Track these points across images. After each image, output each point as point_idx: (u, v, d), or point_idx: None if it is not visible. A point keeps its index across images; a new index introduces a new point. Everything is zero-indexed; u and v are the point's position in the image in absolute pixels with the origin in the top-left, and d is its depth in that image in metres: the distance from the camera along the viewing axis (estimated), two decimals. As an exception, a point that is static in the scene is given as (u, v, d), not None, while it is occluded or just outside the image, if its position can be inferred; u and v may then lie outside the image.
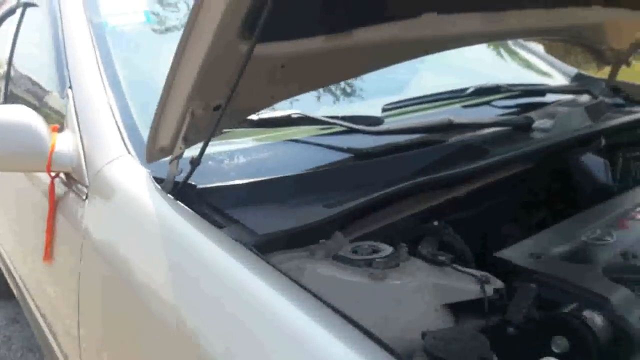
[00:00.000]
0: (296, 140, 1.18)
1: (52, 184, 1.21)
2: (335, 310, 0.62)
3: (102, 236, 1.00)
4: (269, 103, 0.98)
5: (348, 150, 1.16)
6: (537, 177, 1.33)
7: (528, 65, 2.17)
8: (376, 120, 1.25)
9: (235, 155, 1.11)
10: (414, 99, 1.41)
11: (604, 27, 1.76)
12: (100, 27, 1.35)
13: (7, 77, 1.96)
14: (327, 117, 1.21)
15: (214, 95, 0.83)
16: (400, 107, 1.35)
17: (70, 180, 1.18)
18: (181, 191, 0.91)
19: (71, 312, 1.10)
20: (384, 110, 1.31)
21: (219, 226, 0.84)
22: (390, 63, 1.05)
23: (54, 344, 1.34)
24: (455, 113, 1.43)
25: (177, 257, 0.79)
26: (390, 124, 1.26)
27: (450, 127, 1.27)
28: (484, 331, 0.77)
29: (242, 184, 0.98)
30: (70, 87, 1.26)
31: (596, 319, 0.72)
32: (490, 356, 0.61)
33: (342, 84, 1.63)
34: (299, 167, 1.07)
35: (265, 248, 0.80)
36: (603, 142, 1.47)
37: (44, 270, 1.32)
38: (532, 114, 1.49)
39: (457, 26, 1.12)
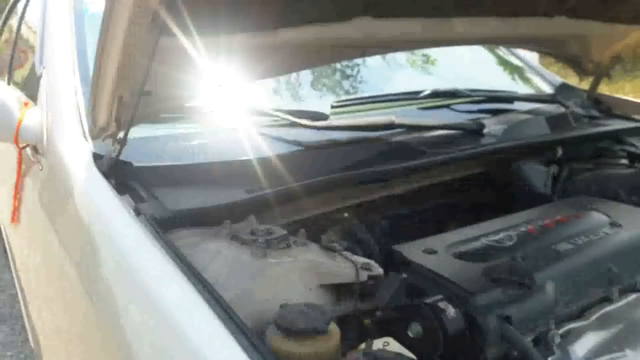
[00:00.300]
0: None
1: (20, 154, 1.32)
2: (201, 281, 0.70)
3: (45, 202, 1.11)
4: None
5: (287, 142, 1.23)
6: (477, 181, 1.37)
7: (515, 72, 2.19)
8: (321, 116, 1.32)
9: (181, 139, 1.20)
10: (363, 98, 1.46)
11: (583, 39, 1.77)
12: (81, 12, 1.46)
13: (13, 52, 2.11)
14: (274, 109, 1.29)
15: (138, 82, 0.91)
16: (349, 105, 1.41)
17: (36, 152, 1.29)
18: (115, 168, 1.00)
19: (27, 268, 1.23)
20: (332, 107, 1.38)
21: (141, 201, 0.93)
22: (325, 62, 1.12)
23: (20, 294, 1.47)
24: (409, 114, 1.48)
25: (88, 222, 0.89)
26: (334, 120, 1.32)
27: (392, 127, 1.32)
28: (357, 313, 0.83)
29: (176, 165, 1.06)
30: (45, 67, 1.37)
31: (449, 311, 0.77)
32: (325, 329, 0.68)
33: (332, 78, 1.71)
34: (237, 154, 1.14)
35: (174, 224, 0.89)
36: (560, 152, 1.50)
37: (13, 231, 1.45)
38: (489, 120, 1.52)
39: (398, 30, 1.17)
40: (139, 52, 0.85)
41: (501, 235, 1.02)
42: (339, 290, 0.86)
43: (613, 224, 1.09)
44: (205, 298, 0.65)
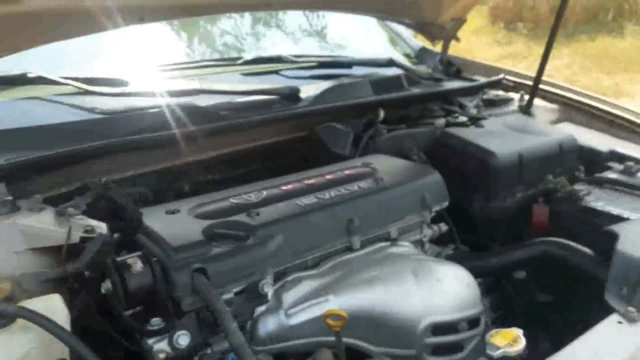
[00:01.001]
0: (32, 99, 1.24)
1: None
2: None
3: None
4: None
5: (81, 109, 1.22)
6: (289, 145, 1.40)
7: (382, 38, 2.22)
8: (122, 83, 1.31)
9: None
10: (180, 64, 1.45)
11: (418, 5, 1.79)
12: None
13: None
14: (67, 77, 1.27)
15: None
16: (166, 70, 1.40)
17: None
18: None
19: None
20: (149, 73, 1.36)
21: None
22: (85, 33, 1.11)
23: None
24: (230, 80, 1.49)
25: None
26: (135, 87, 1.31)
27: (196, 93, 1.33)
28: (68, 274, 0.85)
29: None
30: None
31: (136, 267, 0.80)
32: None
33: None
34: (17, 124, 1.13)
35: None
36: (382, 114, 1.53)
37: None
38: (314, 85, 1.54)
39: None
40: None
41: (251, 194, 1.06)
42: (58, 253, 0.88)
43: (376, 180, 1.14)
44: None
